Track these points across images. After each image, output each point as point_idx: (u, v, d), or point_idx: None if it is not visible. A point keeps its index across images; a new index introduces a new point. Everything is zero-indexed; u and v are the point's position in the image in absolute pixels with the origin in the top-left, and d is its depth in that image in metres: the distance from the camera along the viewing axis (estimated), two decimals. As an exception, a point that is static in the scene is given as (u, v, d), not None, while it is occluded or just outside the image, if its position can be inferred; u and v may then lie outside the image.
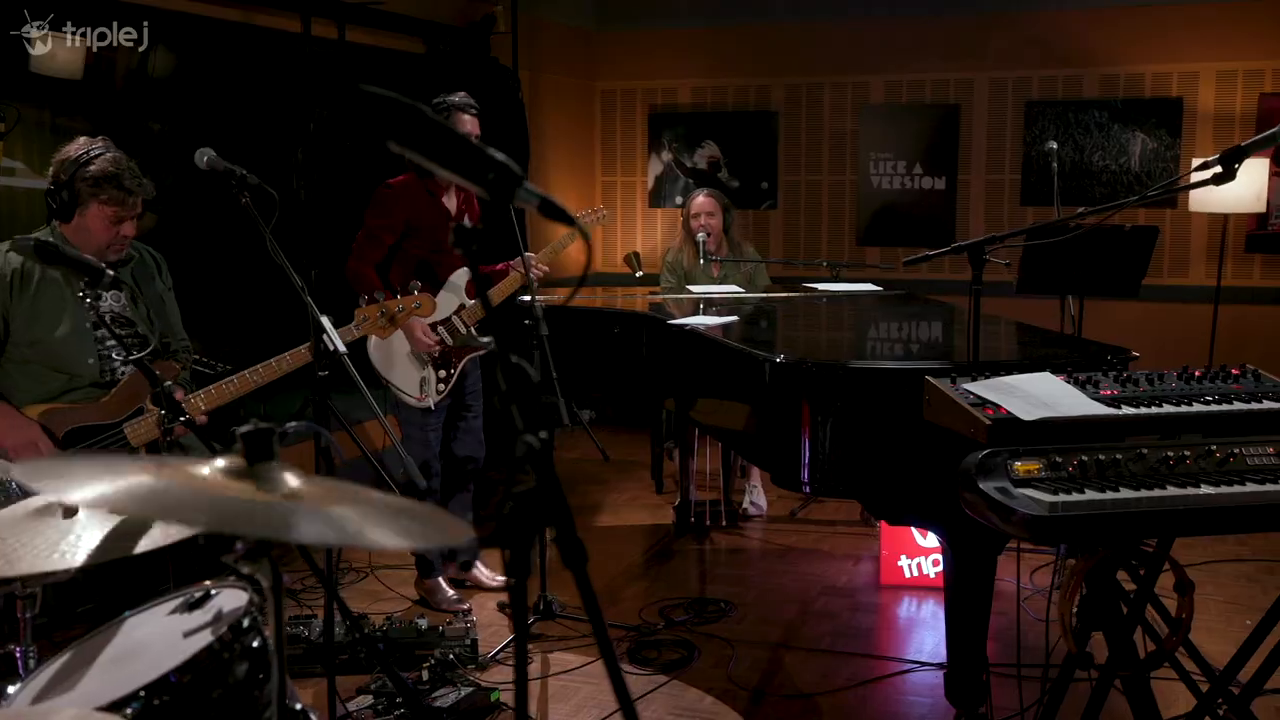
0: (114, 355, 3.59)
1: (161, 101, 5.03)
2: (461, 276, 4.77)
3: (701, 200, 6.02)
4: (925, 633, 4.58)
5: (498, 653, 4.28)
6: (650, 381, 4.78)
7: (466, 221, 1.26)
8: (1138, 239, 5.00)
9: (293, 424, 1.75)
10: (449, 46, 6.75)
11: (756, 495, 6.19)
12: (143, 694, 1.65)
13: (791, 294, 5.65)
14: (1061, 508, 2.62)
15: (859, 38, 7.90)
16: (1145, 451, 2.80)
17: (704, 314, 4.81)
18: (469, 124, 4.70)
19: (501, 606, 4.82)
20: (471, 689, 3.84)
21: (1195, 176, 3.29)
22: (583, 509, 6.22)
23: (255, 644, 1.80)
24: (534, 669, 4.22)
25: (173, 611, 1.92)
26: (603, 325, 5.04)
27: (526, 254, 4.81)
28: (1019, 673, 3.54)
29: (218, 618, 1.82)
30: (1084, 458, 2.78)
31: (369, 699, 3.75)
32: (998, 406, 2.92)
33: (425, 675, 3.94)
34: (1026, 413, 2.89)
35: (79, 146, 3.50)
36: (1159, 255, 7.32)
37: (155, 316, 3.73)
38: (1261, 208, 6.74)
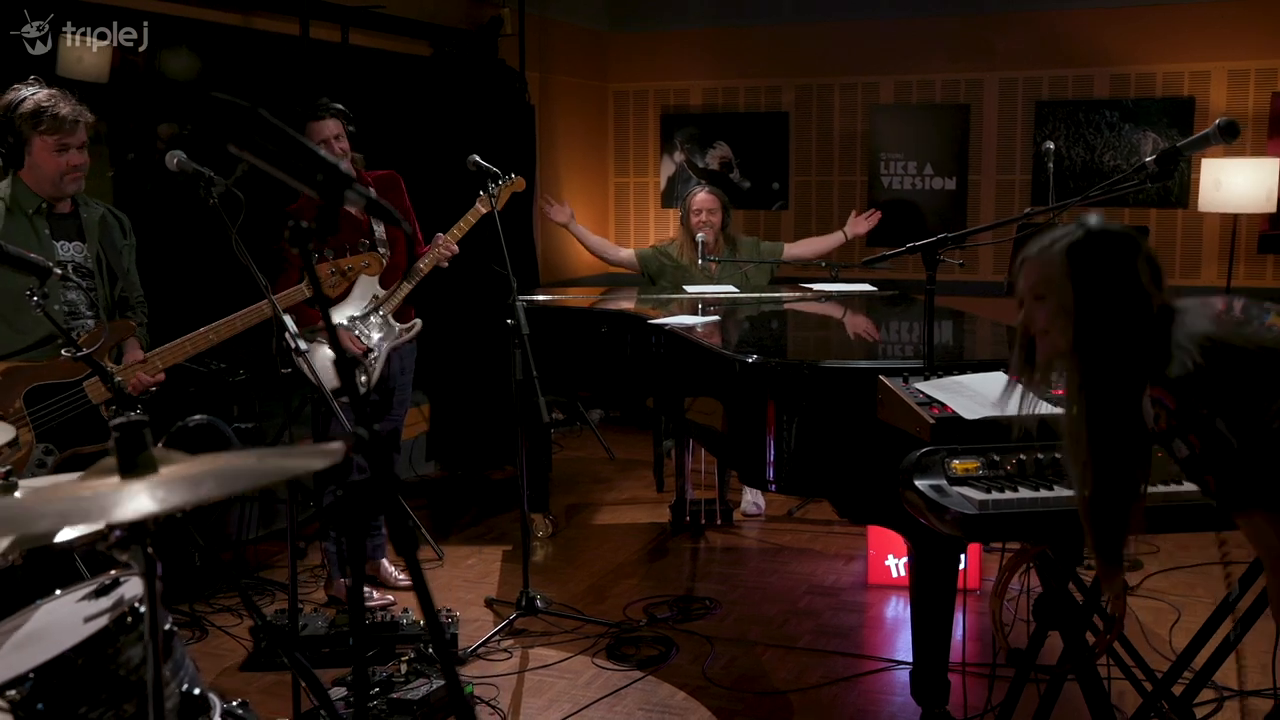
0: (82, 309, 3.72)
1: (185, 104, 5.14)
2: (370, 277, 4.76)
3: (702, 197, 6.04)
4: (906, 632, 4.57)
5: (478, 647, 4.34)
6: (634, 380, 4.82)
7: (304, 222, 1.31)
8: (1128, 239, 4.97)
9: (195, 417, 1.81)
10: (455, 49, 6.82)
11: (757, 495, 6.21)
12: (32, 675, 1.72)
13: (787, 294, 5.67)
14: (992, 506, 2.64)
15: (869, 38, 7.90)
16: (1086, 451, 2.81)
17: (685, 314, 4.83)
18: (331, 128, 4.59)
19: (489, 602, 4.88)
20: (444, 682, 3.90)
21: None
22: (583, 507, 6.27)
23: (152, 629, 1.86)
24: (512, 664, 4.28)
25: (81, 599, 1.99)
26: (590, 325, 5.09)
27: (437, 234, 4.83)
28: (964, 670, 3.54)
29: (118, 603, 1.89)
30: (1023, 456, 2.80)
31: (343, 690, 3.81)
32: (943, 405, 2.94)
33: (403, 669, 4.00)
34: (971, 411, 2.91)
35: (12, 91, 3.61)
36: (1169, 256, 7.26)
37: (113, 273, 3.85)
38: (1273, 207, 6.66)
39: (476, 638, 4.42)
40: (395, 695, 3.78)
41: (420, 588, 1.37)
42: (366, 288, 4.74)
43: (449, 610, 4.43)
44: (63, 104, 3.61)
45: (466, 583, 5.15)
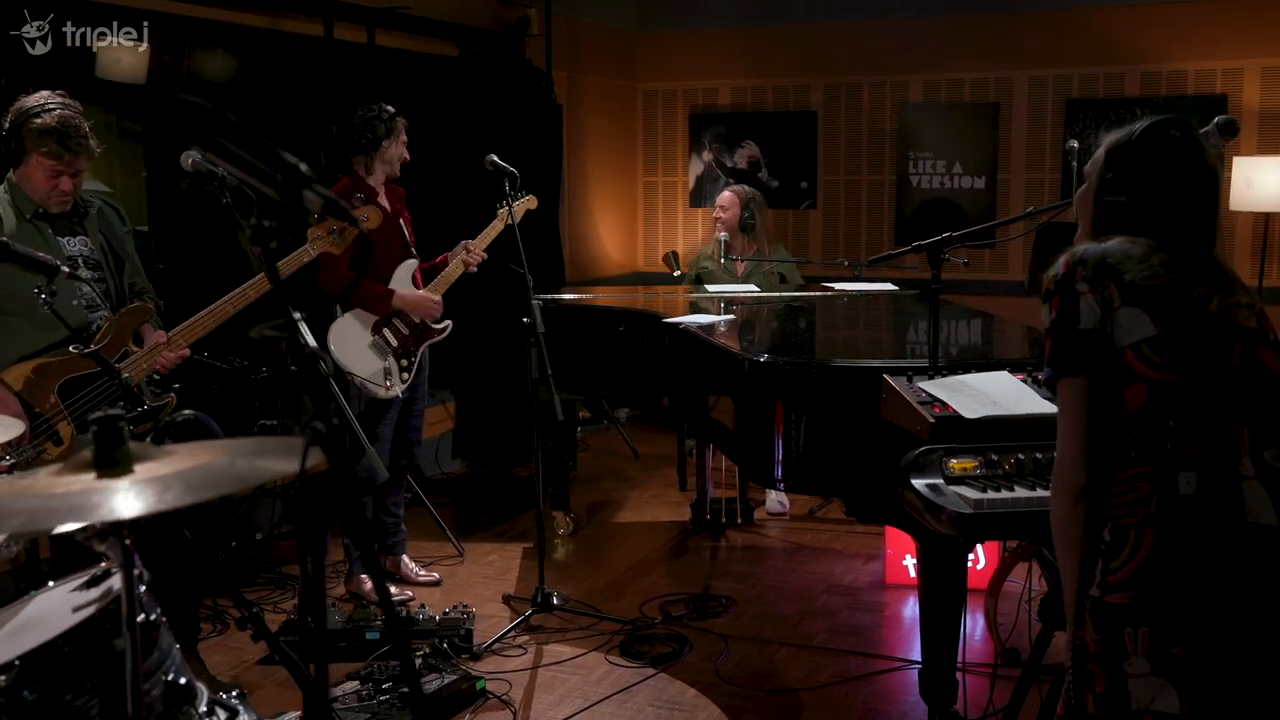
0: (99, 301, 3.74)
1: (225, 104, 5.20)
2: (407, 269, 4.84)
3: (722, 195, 6.09)
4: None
5: (492, 643, 4.37)
6: (650, 379, 4.84)
7: (265, 221, 1.34)
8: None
9: (185, 412, 1.85)
10: (482, 49, 6.87)
11: (781, 494, 6.20)
12: (18, 663, 1.77)
13: (809, 293, 5.68)
14: (986, 505, 2.64)
15: (898, 37, 7.87)
16: (1086, 450, 2.80)
17: (701, 313, 4.85)
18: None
19: (507, 598, 4.91)
20: (456, 676, 3.94)
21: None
22: (606, 505, 6.30)
23: (139, 618, 1.90)
24: (526, 659, 4.31)
25: (74, 589, 2.04)
26: (609, 323, 5.11)
27: (465, 241, 4.90)
28: (963, 669, 3.53)
29: (107, 594, 1.94)
30: (1020, 456, 2.79)
31: (355, 684, 3.87)
32: (945, 404, 2.94)
33: (420, 663, 4.04)
34: (971, 411, 2.90)
35: (36, 98, 3.60)
36: (1201, 255, 7.19)
37: (120, 262, 3.88)
38: (1305, 206, 6.58)
39: (493, 633, 4.45)
40: (407, 689, 3.82)
41: (378, 579, 1.39)
42: (400, 286, 4.80)
43: (465, 606, 4.47)
44: (72, 136, 3.58)
45: (486, 579, 5.19)
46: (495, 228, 4.95)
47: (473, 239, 4.93)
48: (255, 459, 1.59)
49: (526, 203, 5.07)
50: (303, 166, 1.34)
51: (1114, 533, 2.03)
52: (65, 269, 2.99)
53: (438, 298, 4.85)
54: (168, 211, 5.14)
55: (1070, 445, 2.06)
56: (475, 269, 4.92)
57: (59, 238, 3.72)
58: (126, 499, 1.43)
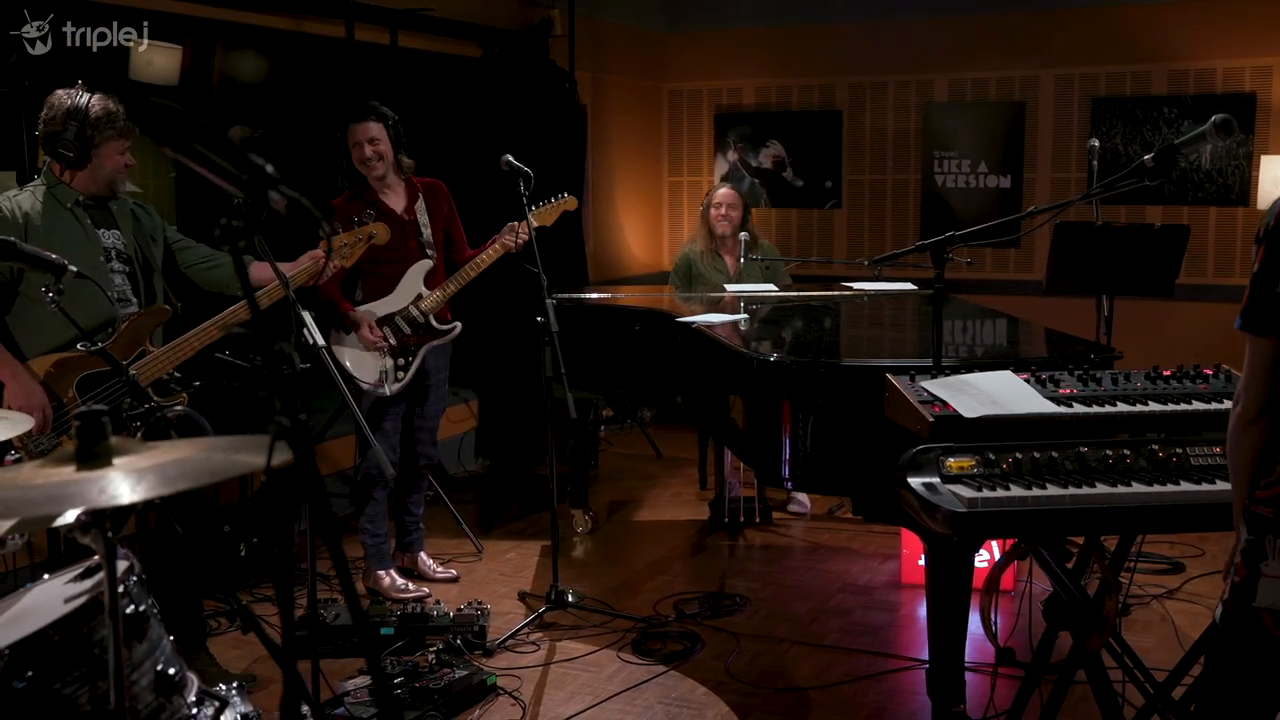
0: (129, 295, 3.81)
1: (250, 106, 5.31)
2: (420, 269, 4.85)
3: (724, 192, 6.08)
4: (935, 632, 4.56)
5: (506, 639, 4.41)
6: (665, 378, 4.86)
7: (233, 221, 1.37)
8: (1168, 238, 4.91)
9: (175, 407, 1.89)
10: (505, 50, 6.91)
11: (802, 494, 6.20)
12: (8, 651, 1.82)
13: (825, 293, 5.68)
14: (981, 504, 2.63)
15: (923, 36, 7.85)
16: (1084, 450, 2.80)
17: (714, 313, 4.86)
18: (370, 130, 4.72)
19: (522, 595, 4.95)
20: (468, 672, 3.97)
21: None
22: (626, 504, 6.32)
23: (128, 610, 1.95)
24: (539, 656, 4.34)
25: (68, 581, 2.08)
26: (624, 322, 5.14)
27: (511, 223, 4.82)
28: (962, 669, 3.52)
29: (99, 585, 1.98)
30: (1018, 455, 2.79)
31: (366, 679, 3.91)
32: (945, 404, 2.94)
33: (431, 659, 4.09)
34: (971, 410, 2.90)
35: (67, 97, 3.65)
36: (1230, 254, 7.13)
37: (148, 264, 3.94)
38: (1335, 205, 6.51)
39: (508, 630, 4.48)
40: (418, 684, 3.86)
41: (342, 573, 1.42)
42: (411, 286, 4.83)
43: (479, 603, 4.50)
44: (121, 108, 3.71)
45: (502, 576, 5.22)
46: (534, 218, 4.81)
47: (506, 247, 4.91)
48: (231, 454, 1.62)
49: (565, 204, 4.99)
50: (269, 167, 1.37)
51: (1267, 455, 2.10)
52: (72, 269, 3.04)
53: (376, 336, 4.75)
54: (196, 212, 5.21)
55: (1248, 384, 2.10)
56: (517, 249, 4.84)
57: (97, 229, 3.79)
58: (101, 490, 1.47)
